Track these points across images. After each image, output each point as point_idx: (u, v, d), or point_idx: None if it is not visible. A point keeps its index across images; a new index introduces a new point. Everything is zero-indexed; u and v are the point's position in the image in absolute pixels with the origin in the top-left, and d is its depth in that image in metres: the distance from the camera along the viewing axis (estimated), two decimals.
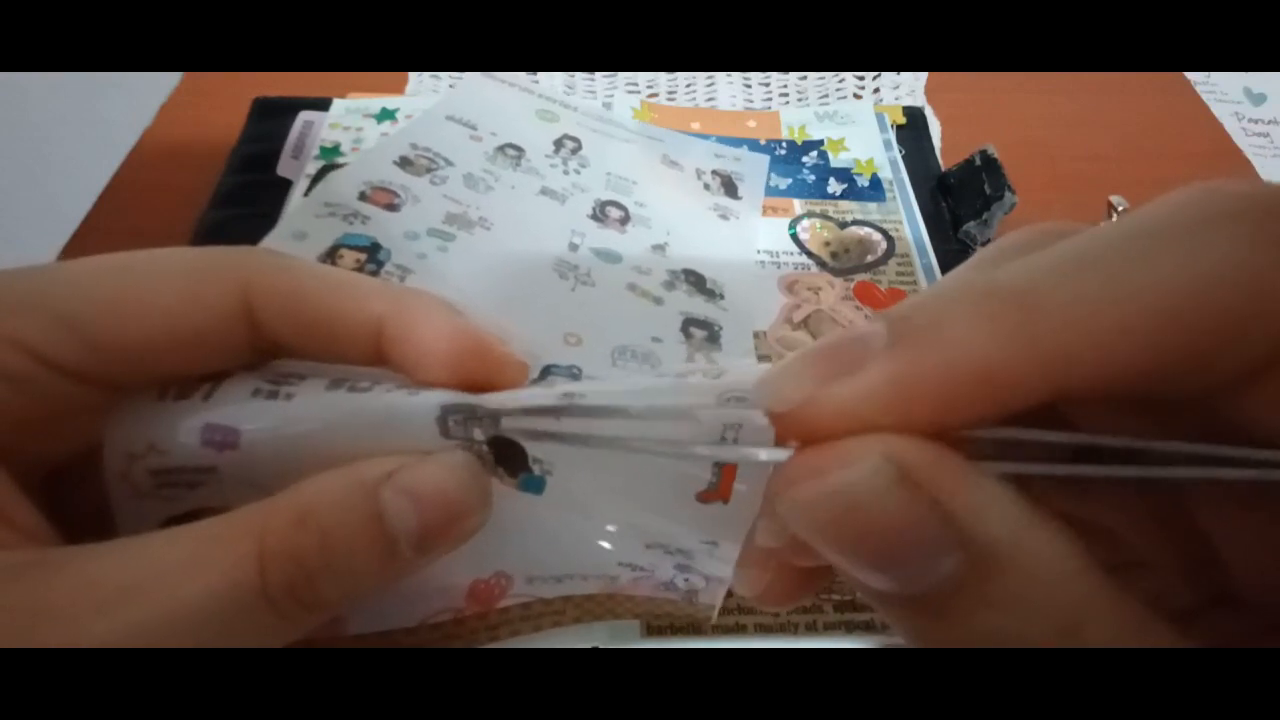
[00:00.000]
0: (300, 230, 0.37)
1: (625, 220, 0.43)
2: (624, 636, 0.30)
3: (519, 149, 0.45)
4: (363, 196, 0.39)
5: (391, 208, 0.39)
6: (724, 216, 0.45)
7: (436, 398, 0.18)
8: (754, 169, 0.48)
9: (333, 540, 0.17)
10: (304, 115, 0.48)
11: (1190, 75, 0.58)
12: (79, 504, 0.19)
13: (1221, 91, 0.58)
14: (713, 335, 0.38)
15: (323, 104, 0.49)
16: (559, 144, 0.46)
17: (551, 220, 0.41)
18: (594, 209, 0.43)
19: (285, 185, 0.44)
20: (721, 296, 0.40)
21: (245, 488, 0.18)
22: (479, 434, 0.18)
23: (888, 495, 0.13)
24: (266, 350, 0.20)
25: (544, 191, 0.43)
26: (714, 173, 0.47)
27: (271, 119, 0.48)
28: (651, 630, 0.30)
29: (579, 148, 0.46)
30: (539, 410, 0.18)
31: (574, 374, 0.22)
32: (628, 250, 0.41)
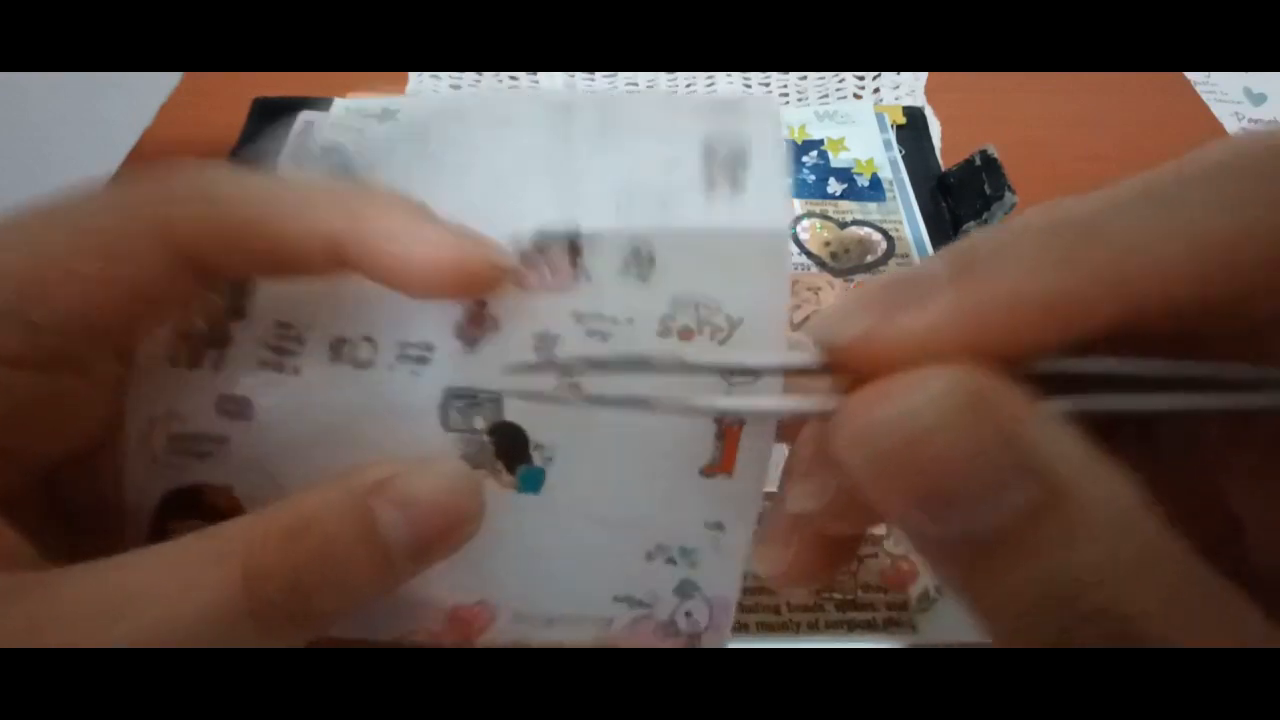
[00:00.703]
0: None
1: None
2: None
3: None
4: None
5: None
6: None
7: (438, 378, 0.18)
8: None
9: (326, 555, 0.16)
10: (304, 115, 0.48)
11: (1190, 75, 0.58)
12: (79, 501, 0.19)
13: (1221, 91, 0.58)
14: (737, 154, 0.29)
15: (323, 104, 0.49)
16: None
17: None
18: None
19: None
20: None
21: (248, 468, 0.18)
22: (480, 422, 0.18)
23: (957, 420, 0.12)
24: (226, 281, 0.19)
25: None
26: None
27: (271, 119, 0.48)
28: None
29: None
30: (543, 395, 0.18)
31: (573, 236, 0.20)
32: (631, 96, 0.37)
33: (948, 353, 0.13)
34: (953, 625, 0.31)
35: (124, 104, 0.51)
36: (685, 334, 0.19)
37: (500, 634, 0.22)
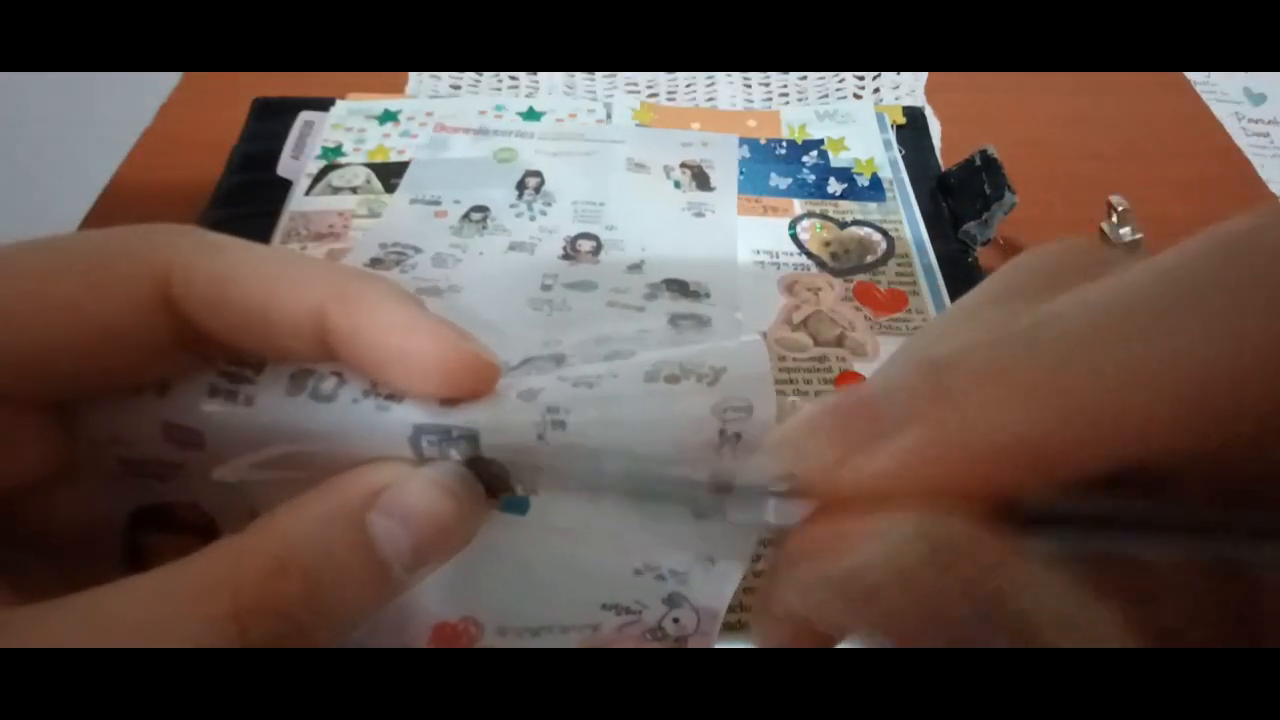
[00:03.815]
0: None
1: (597, 250, 0.42)
2: None
3: (484, 209, 0.44)
4: None
5: None
6: (699, 214, 0.45)
7: (407, 416, 0.17)
8: (724, 153, 0.48)
9: (320, 584, 0.15)
10: (304, 115, 0.48)
11: (1190, 75, 0.58)
12: (37, 528, 0.18)
13: (1221, 91, 0.58)
14: (701, 322, 0.37)
15: (323, 104, 0.49)
16: (521, 186, 0.45)
17: (522, 271, 0.41)
18: (564, 248, 0.42)
19: (285, 185, 0.44)
20: (708, 295, 0.40)
21: (212, 487, 0.18)
22: (456, 454, 0.17)
23: (917, 575, 0.12)
24: (194, 346, 0.17)
25: (512, 247, 0.42)
26: (683, 166, 0.47)
27: (271, 119, 0.48)
28: None
29: (541, 183, 0.46)
30: (519, 445, 0.17)
31: (557, 360, 0.21)
32: (603, 278, 0.40)
33: (914, 494, 0.12)
34: None
35: (124, 104, 0.51)
36: (671, 379, 0.18)
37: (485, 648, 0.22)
